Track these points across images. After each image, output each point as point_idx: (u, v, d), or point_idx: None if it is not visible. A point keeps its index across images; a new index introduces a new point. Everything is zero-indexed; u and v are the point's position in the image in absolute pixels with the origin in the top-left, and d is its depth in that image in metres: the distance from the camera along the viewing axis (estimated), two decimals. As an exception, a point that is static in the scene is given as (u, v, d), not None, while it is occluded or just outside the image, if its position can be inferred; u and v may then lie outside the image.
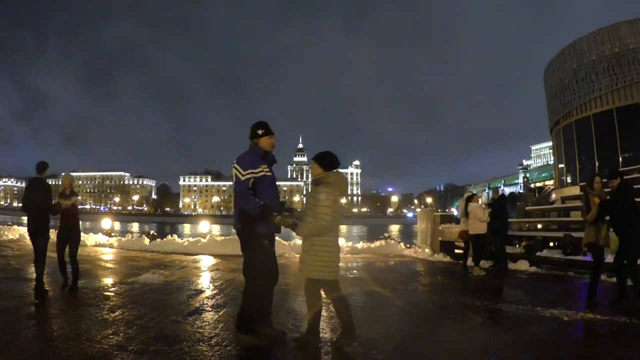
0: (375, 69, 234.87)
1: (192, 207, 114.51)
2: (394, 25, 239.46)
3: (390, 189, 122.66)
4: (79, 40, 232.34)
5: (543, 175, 69.64)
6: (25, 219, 4.84)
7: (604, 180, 4.98)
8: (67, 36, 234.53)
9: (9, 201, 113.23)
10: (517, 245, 9.49)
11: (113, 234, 13.24)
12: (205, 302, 4.72)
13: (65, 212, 5.20)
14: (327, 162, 3.23)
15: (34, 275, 5.40)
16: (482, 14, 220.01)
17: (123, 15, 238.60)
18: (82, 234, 11.90)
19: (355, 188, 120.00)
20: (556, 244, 9.12)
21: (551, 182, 46.33)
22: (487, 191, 73.38)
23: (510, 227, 9.73)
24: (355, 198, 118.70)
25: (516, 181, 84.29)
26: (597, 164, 16.93)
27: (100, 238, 12.07)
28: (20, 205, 5.27)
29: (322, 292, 3.21)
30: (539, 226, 11.97)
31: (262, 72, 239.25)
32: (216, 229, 32.26)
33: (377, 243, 11.27)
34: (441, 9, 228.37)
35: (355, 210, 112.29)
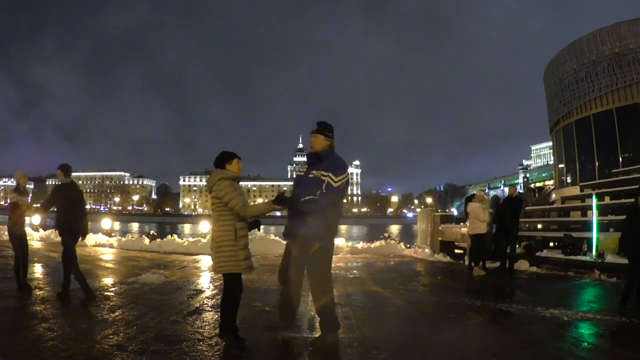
0: (376, 70, 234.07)
1: (192, 207, 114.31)
2: (399, 23, 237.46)
3: (390, 189, 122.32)
4: (78, 30, 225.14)
5: (543, 175, 69.54)
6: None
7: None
8: (65, 26, 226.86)
9: (8, 201, 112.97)
10: (517, 245, 9.47)
11: (113, 234, 13.24)
12: (205, 302, 4.72)
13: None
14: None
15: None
16: (494, 12, 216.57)
17: (124, 4, 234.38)
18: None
19: (355, 188, 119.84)
20: (556, 244, 9.12)
21: (551, 182, 46.36)
22: (487, 191, 73.29)
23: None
24: (355, 198, 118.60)
25: (516, 181, 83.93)
26: (597, 164, 16.93)
27: (100, 238, 12.07)
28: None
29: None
30: (539, 226, 11.96)
31: (268, 67, 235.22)
32: (216, 229, 32.21)
33: (377, 243, 11.28)
34: (456, 5, 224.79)
35: (355, 210, 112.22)
